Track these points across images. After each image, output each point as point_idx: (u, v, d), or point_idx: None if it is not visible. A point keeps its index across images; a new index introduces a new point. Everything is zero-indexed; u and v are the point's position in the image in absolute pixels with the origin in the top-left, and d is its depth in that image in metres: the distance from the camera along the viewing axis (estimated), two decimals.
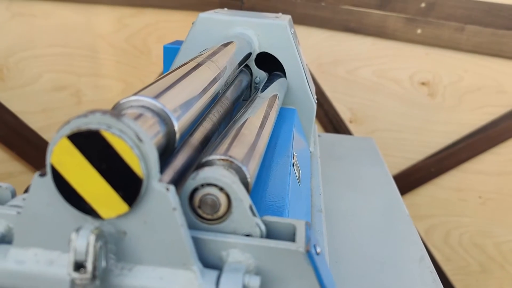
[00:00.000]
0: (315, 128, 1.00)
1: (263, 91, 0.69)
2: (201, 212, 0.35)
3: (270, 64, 0.85)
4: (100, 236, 0.31)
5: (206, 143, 0.49)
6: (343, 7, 1.57)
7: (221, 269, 0.33)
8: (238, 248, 0.34)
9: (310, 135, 0.91)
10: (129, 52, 1.64)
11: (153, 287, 0.32)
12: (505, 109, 1.51)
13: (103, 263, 0.31)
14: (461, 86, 1.54)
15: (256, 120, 0.53)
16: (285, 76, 0.84)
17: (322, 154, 1.04)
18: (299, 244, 0.33)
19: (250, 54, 0.79)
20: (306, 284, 0.34)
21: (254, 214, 0.35)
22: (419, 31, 1.52)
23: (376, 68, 1.61)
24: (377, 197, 0.95)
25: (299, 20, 1.58)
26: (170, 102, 0.38)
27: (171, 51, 0.89)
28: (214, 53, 0.60)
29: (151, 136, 0.34)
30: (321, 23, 1.61)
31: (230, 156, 0.38)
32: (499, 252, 1.64)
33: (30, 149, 1.52)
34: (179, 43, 0.90)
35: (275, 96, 0.69)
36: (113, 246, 0.32)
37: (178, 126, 0.37)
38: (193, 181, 0.34)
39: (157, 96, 0.38)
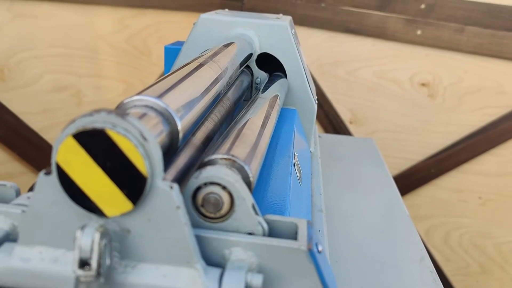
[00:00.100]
0: (316, 128, 1.01)
1: (264, 92, 0.70)
2: (204, 211, 0.35)
3: (271, 65, 0.85)
4: (104, 234, 0.31)
5: (208, 143, 0.50)
6: (343, 8, 1.58)
7: (224, 267, 0.33)
8: (241, 247, 0.34)
9: (311, 135, 0.91)
10: (130, 53, 1.64)
11: (156, 285, 0.33)
12: (505, 110, 1.51)
13: (108, 261, 0.31)
14: (461, 87, 1.54)
15: (257, 120, 0.53)
16: (286, 77, 0.84)
17: (322, 155, 1.04)
18: (301, 242, 0.34)
19: (251, 54, 0.79)
20: (308, 282, 0.34)
21: (256, 213, 0.35)
22: (419, 32, 1.52)
23: (376, 69, 1.62)
24: (377, 197, 0.96)
25: (299, 21, 1.58)
26: (173, 102, 0.38)
27: (172, 52, 0.89)
28: (215, 54, 0.60)
29: (155, 135, 0.34)
30: (321, 24, 1.61)
31: (233, 155, 0.38)
32: (499, 253, 1.64)
33: (31, 149, 1.53)
34: (180, 43, 0.91)
35: (276, 96, 0.69)
36: (117, 244, 0.33)
37: (181, 125, 0.38)
38: (196, 180, 0.35)
39: (160, 96, 0.38)
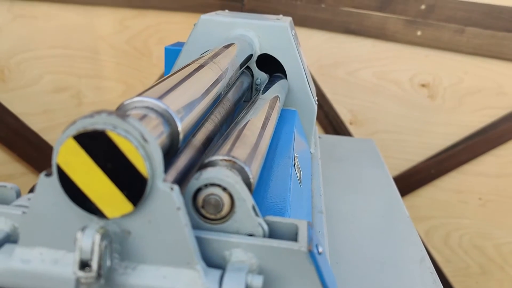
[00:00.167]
0: (316, 129, 1.01)
1: (264, 93, 0.70)
2: (204, 212, 0.35)
3: (271, 66, 0.85)
4: (105, 235, 0.31)
5: (208, 144, 0.50)
6: (343, 9, 1.58)
7: (224, 268, 0.33)
8: (241, 248, 0.34)
9: (311, 136, 0.91)
10: (130, 53, 1.64)
11: (156, 286, 0.33)
12: (505, 111, 1.51)
13: (108, 262, 0.31)
14: (461, 88, 1.54)
15: (257, 121, 0.53)
16: (286, 78, 0.84)
17: (322, 156, 1.04)
18: (302, 244, 0.34)
19: (251, 55, 0.79)
20: (308, 283, 0.34)
21: (256, 214, 0.35)
22: (419, 33, 1.52)
23: (376, 70, 1.62)
24: (378, 198, 0.96)
25: (299, 22, 1.58)
26: (173, 103, 0.39)
27: (172, 53, 0.89)
28: (216, 55, 0.60)
29: (155, 136, 0.34)
30: (321, 25, 1.61)
31: (233, 157, 0.38)
32: (499, 254, 1.64)
33: (31, 150, 1.53)
34: (180, 44, 0.91)
35: (276, 97, 0.69)
36: (118, 246, 0.33)
37: (181, 126, 0.38)
38: (196, 181, 0.35)
39: (160, 97, 0.38)
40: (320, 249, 0.35)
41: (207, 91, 0.49)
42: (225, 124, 0.58)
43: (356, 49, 1.62)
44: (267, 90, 0.72)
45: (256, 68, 0.85)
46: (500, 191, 1.59)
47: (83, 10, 1.52)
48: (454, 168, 1.61)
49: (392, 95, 1.62)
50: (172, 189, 0.31)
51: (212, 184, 0.34)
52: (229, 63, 0.62)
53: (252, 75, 0.85)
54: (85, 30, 1.55)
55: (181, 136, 0.38)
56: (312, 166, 0.90)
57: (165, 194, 0.31)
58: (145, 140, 0.30)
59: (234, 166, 0.38)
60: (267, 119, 0.56)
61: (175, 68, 0.86)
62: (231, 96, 0.67)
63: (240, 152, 0.40)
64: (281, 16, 0.96)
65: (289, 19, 0.91)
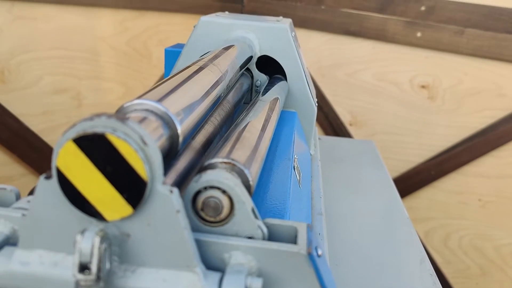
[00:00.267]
0: (316, 131, 1.01)
1: (264, 94, 0.70)
2: (203, 215, 0.35)
3: (271, 67, 0.85)
4: (104, 238, 0.31)
5: (208, 146, 0.50)
6: (343, 10, 1.58)
7: (224, 271, 0.33)
8: (241, 250, 0.34)
9: (311, 138, 0.91)
10: (130, 55, 1.65)
11: None
12: (505, 112, 1.51)
13: (107, 265, 0.31)
14: (461, 89, 1.54)
15: (257, 123, 0.53)
16: (286, 79, 0.84)
17: (322, 157, 1.04)
18: (301, 246, 0.34)
19: (251, 57, 0.79)
20: (307, 286, 0.34)
21: (256, 217, 0.35)
22: (419, 34, 1.52)
23: (376, 71, 1.62)
24: (377, 199, 0.96)
25: (299, 23, 1.58)
26: (173, 106, 0.39)
27: (172, 54, 0.89)
28: (215, 57, 0.60)
29: (155, 139, 0.34)
30: (321, 26, 1.61)
31: (233, 159, 0.38)
32: (499, 255, 1.64)
33: (31, 151, 1.53)
34: (180, 46, 0.91)
35: (276, 99, 0.69)
36: (117, 248, 0.33)
37: (181, 129, 0.38)
38: (196, 184, 0.35)
39: (160, 100, 0.38)
40: (320, 252, 0.35)
41: (207, 93, 0.49)
42: (224, 126, 0.58)
43: (356, 51, 1.62)
44: (267, 91, 0.72)
45: (256, 69, 0.85)
46: (500, 192, 1.59)
47: (83, 11, 1.52)
48: (454, 169, 1.61)
49: (392, 97, 1.62)
50: (171, 192, 0.31)
51: (212, 187, 0.34)
52: (229, 65, 0.62)
53: (252, 77, 0.85)
54: (85, 31, 1.55)
55: (180, 139, 0.38)
56: (312, 167, 0.90)
57: (165, 197, 0.31)
58: (144, 143, 0.30)
59: (234, 168, 0.38)
60: (267, 121, 0.56)
61: (175, 70, 0.86)
62: (231, 98, 0.67)
63: (240, 154, 0.40)
64: (281, 17, 0.96)
65: (289, 20, 0.91)
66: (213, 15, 0.89)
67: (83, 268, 0.30)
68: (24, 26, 1.43)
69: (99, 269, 0.30)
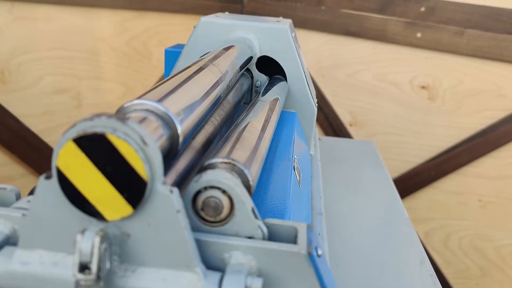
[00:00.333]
0: (316, 131, 1.01)
1: (264, 95, 0.70)
2: (204, 215, 0.35)
3: (271, 68, 0.85)
4: (104, 238, 0.31)
5: (208, 146, 0.50)
6: (343, 11, 1.58)
7: (224, 271, 0.33)
8: (241, 250, 0.34)
9: (311, 138, 0.91)
10: (130, 55, 1.65)
11: None
12: (504, 113, 1.51)
13: (107, 265, 0.31)
14: (460, 89, 1.54)
15: (257, 124, 0.53)
16: (286, 80, 0.85)
17: (322, 158, 1.04)
18: (301, 246, 0.34)
19: (251, 58, 0.79)
20: (307, 286, 0.34)
21: (256, 217, 0.35)
22: (419, 35, 1.52)
23: (376, 72, 1.62)
24: (377, 200, 0.96)
25: (299, 24, 1.58)
26: (173, 106, 0.39)
27: (172, 55, 0.89)
28: (216, 57, 0.60)
29: (155, 139, 0.34)
30: (321, 27, 1.61)
31: (233, 159, 0.38)
32: (499, 256, 1.64)
33: (31, 152, 1.53)
34: (180, 46, 0.91)
35: (276, 99, 0.69)
36: (117, 248, 0.33)
37: (181, 129, 0.38)
38: (196, 183, 0.35)
39: (160, 100, 0.38)
40: (320, 252, 0.35)
41: (207, 94, 0.49)
42: (225, 126, 0.59)
43: (356, 51, 1.62)
44: (267, 92, 0.72)
45: (256, 70, 0.85)
46: (500, 193, 1.59)
47: (83, 11, 1.52)
48: (454, 170, 1.61)
49: (392, 97, 1.62)
50: (171, 192, 0.31)
51: (212, 187, 0.34)
52: (229, 65, 0.62)
53: (252, 77, 0.85)
54: (85, 32, 1.55)
55: (180, 139, 0.38)
56: (312, 168, 0.90)
57: (165, 197, 0.31)
58: (144, 143, 0.30)
59: (234, 168, 0.38)
60: (267, 121, 0.56)
61: (175, 70, 0.86)
62: (231, 98, 0.67)
63: (240, 154, 0.40)
64: (281, 18, 0.96)
65: (289, 21, 0.91)
66: (213, 15, 0.89)
67: (83, 268, 0.30)
68: (24, 26, 1.43)
69: (99, 269, 0.30)
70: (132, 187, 0.30)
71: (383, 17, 1.55)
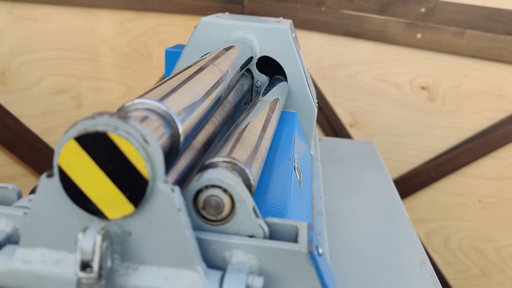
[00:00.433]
0: (316, 131, 1.01)
1: (264, 95, 0.70)
2: (205, 213, 0.35)
3: (272, 68, 0.86)
4: (106, 236, 0.31)
5: (209, 146, 0.50)
6: (343, 12, 1.58)
7: (225, 269, 0.33)
8: (242, 249, 0.34)
9: (311, 138, 0.92)
10: (130, 55, 1.65)
11: (157, 287, 0.33)
12: (504, 114, 1.51)
13: (109, 263, 0.31)
14: (461, 90, 1.54)
15: (258, 123, 0.53)
16: (286, 80, 0.85)
17: (322, 158, 1.04)
18: (302, 245, 0.34)
19: (251, 58, 0.79)
20: (308, 284, 0.34)
21: (257, 216, 0.35)
22: (419, 35, 1.52)
23: (376, 73, 1.62)
24: (378, 200, 0.96)
25: (299, 24, 1.59)
26: (174, 105, 0.39)
27: (173, 55, 0.89)
28: (216, 57, 0.60)
29: (156, 138, 0.34)
30: (321, 27, 1.61)
31: (234, 158, 0.38)
32: (499, 257, 1.64)
33: (31, 152, 1.53)
34: (180, 47, 0.91)
35: (277, 100, 0.70)
36: (119, 246, 0.33)
37: (182, 128, 0.38)
38: (197, 182, 0.35)
39: (161, 99, 0.38)
40: (320, 251, 0.35)
41: (208, 93, 0.49)
42: (225, 126, 0.59)
43: (356, 52, 1.62)
44: (267, 92, 0.72)
45: (257, 70, 0.85)
46: (500, 194, 1.59)
47: (84, 12, 1.52)
48: (454, 170, 1.61)
49: (392, 98, 1.62)
50: (173, 190, 0.31)
51: (213, 186, 0.35)
52: (229, 65, 0.62)
53: (253, 77, 0.85)
54: (85, 32, 1.55)
55: (182, 138, 0.38)
56: (312, 168, 0.90)
57: (166, 196, 0.31)
58: (146, 141, 0.30)
59: (235, 167, 0.38)
60: (267, 121, 0.57)
61: (175, 70, 0.86)
62: (232, 98, 0.67)
63: (241, 154, 0.40)
64: (281, 18, 0.96)
65: (289, 21, 0.91)
66: (213, 16, 0.89)
67: (85, 266, 0.30)
68: (25, 27, 1.43)
69: (100, 267, 0.30)
70: (133, 186, 0.30)
71: (383, 18, 1.55)
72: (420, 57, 1.55)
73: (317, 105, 0.89)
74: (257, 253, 0.34)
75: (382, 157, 1.21)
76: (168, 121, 0.37)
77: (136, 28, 1.62)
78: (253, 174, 0.39)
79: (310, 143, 0.92)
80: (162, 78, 1.65)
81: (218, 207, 0.35)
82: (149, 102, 0.37)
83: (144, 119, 0.35)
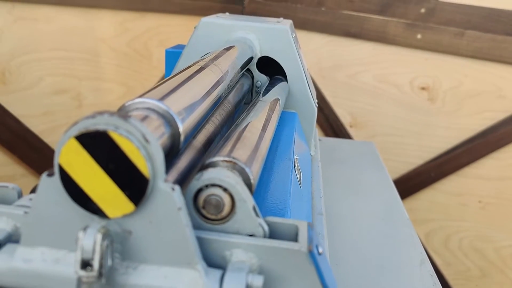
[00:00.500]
0: (316, 132, 1.01)
1: (264, 95, 0.70)
2: (205, 212, 0.35)
3: (272, 68, 0.86)
4: (106, 235, 0.31)
5: (209, 146, 0.50)
6: (343, 12, 1.58)
7: (225, 268, 0.33)
8: (242, 248, 0.34)
9: (311, 139, 0.92)
10: (131, 56, 1.65)
11: (157, 286, 0.33)
12: (504, 114, 1.51)
13: (109, 262, 0.31)
14: (461, 91, 1.55)
15: (258, 123, 0.54)
16: (286, 80, 0.85)
17: (323, 158, 1.04)
18: (302, 244, 0.34)
19: (251, 58, 0.79)
20: (308, 283, 0.34)
21: (257, 215, 0.35)
22: (419, 36, 1.53)
23: (376, 73, 1.62)
24: (378, 200, 0.96)
25: (299, 25, 1.59)
26: (174, 105, 0.39)
27: (173, 55, 0.90)
28: (216, 57, 0.60)
29: (157, 137, 0.34)
30: (321, 28, 1.61)
31: (234, 158, 0.38)
32: (499, 257, 1.64)
33: (31, 152, 1.53)
34: (181, 47, 0.91)
35: (277, 99, 0.70)
36: (119, 245, 0.33)
37: (182, 128, 0.38)
38: (197, 181, 0.35)
39: (162, 99, 0.38)
40: (320, 250, 0.35)
41: (208, 93, 0.49)
42: (225, 126, 0.59)
43: (357, 52, 1.62)
44: (267, 92, 0.72)
45: (257, 70, 0.85)
46: (500, 194, 1.59)
47: (84, 12, 1.52)
48: (454, 171, 1.61)
49: (392, 98, 1.62)
50: (173, 189, 0.31)
51: (213, 185, 0.35)
52: (229, 65, 0.62)
53: (253, 78, 0.85)
54: (85, 33, 1.55)
55: (182, 137, 0.38)
56: (312, 168, 0.90)
57: (166, 195, 0.31)
58: (146, 140, 0.30)
59: (235, 167, 0.38)
60: (267, 121, 0.57)
61: (175, 71, 0.86)
62: (232, 98, 0.67)
63: (241, 153, 0.40)
64: (281, 19, 0.97)
65: (290, 21, 0.92)
66: (213, 16, 0.89)
67: (85, 264, 0.30)
68: (25, 27, 1.43)
69: (101, 266, 0.30)
70: (134, 185, 0.30)
71: (384, 19, 1.55)
72: (420, 57, 1.56)
73: (317, 105, 0.89)
74: (257, 252, 0.34)
75: (382, 158, 1.21)
76: (168, 120, 0.37)
77: (136, 28, 1.62)
78: (253, 173, 0.39)
79: (310, 143, 0.92)
80: (162, 78, 1.65)
81: (218, 206, 0.35)
82: (150, 101, 0.37)
83: (144, 118, 0.35)
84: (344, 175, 1.06)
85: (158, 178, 0.31)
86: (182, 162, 0.41)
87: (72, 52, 1.55)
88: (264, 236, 0.35)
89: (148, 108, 0.37)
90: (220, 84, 0.54)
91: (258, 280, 0.32)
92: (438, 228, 1.69)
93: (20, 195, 0.40)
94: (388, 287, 0.69)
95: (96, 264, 0.30)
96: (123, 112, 0.35)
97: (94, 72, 1.61)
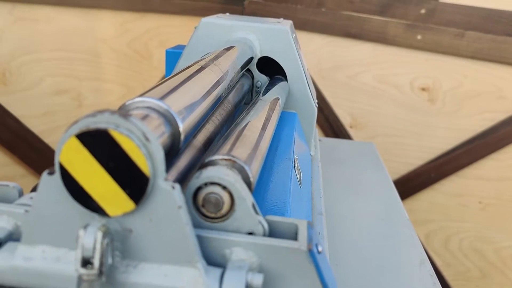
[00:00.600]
0: (316, 132, 1.01)
1: (264, 95, 0.70)
2: (204, 211, 0.35)
3: (272, 68, 0.86)
4: (106, 233, 0.31)
5: (209, 145, 0.50)
6: (343, 13, 1.58)
7: (225, 266, 0.34)
8: (241, 246, 0.34)
9: (311, 139, 0.92)
10: (131, 56, 1.65)
11: (157, 284, 0.33)
12: (505, 115, 1.51)
13: (110, 260, 0.32)
14: (461, 91, 1.55)
15: (258, 122, 0.54)
16: (287, 80, 0.85)
17: (322, 158, 1.04)
18: (301, 243, 0.34)
19: (252, 58, 0.79)
20: (308, 282, 0.34)
21: (256, 212, 0.35)
22: (419, 37, 1.53)
23: (376, 74, 1.62)
24: (378, 201, 0.96)
25: (299, 25, 1.59)
26: (175, 104, 0.39)
27: (173, 56, 0.90)
28: (216, 57, 0.60)
29: (157, 136, 0.34)
30: (321, 28, 1.62)
31: (233, 156, 0.39)
32: (499, 258, 1.64)
33: (31, 152, 1.53)
34: (181, 47, 0.91)
35: (277, 99, 0.70)
36: (119, 244, 0.33)
37: (183, 127, 0.38)
38: (197, 180, 0.35)
39: (162, 98, 0.38)
40: (320, 249, 0.36)
41: (208, 93, 0.49)
42: (225, 126, 0.59)
43: (357, 53, 1.62)
44: (267, 92, 0.72)
45: (257, 70, 0.85)
46: (500, 195, 1.59)
47: (84, 13, 1.52)
48: (454, 171, 1.61)
49: (392, 99, 1.63)
50: (173, 187, 0.31)
51: (212, 183, 0.35)
52: (230, 65, 0.62)
53: (253, 78, 0.85)
54: (86, 33, 1.55)
55: (182, 136, 0.38)
56: (312, 168, 0.90)
57: (167, 193, 0.31)
58: (147, 139, 0.30)
59: (234, 165, 0.38)
60: (267, 120, 0.57)
61: (176, 71, 0.86)
62: (232, 98, 0.67)
63: (240, 152, 0.40)
64: (281, 19, 0.97)
65: (290, 22, 0.92)
66: (214, 16, 0.89)
67: (86, 263, 0.30)
68: (25, 27, 1.44)
69: (101, 264, 0.30)
70: (134, 183, 0.30)
71: (384, 19, 1.55)
72: (420, 58, 1.56)
73: (317, 105, 0.90)
74: (257, 251, 0.34)
75: (382, 158, 1.21)
76: (168, 119, 0.38)
77: (137, 28, 1.63)
78: (253, 171, 0.39)
79: (310, 143, 0.92)
80: (163, 79, 1.65)
81: (218, 204, 0.35)
82: (150, 100, 0.37)
83: (145, 117, 0.35)
84: (344, 176, 1.06)
85: (158, 177, 0.31)
86: (182, 161, 0.41)
87: (73, 53, 1.55)
88: (264, 235, 0.36)
89: (149, 107, 0.37)
90: (220, 84, 0.54)
91: (258, 279, 0.32)
92: (438, 229, 1.69)
93: (20, 193, 0.40)
94: (388, 287, 0.69)
95: (96, 262, 0.30)
96: (123, 111, 0.35)
97: (95, 73, 1.61)
